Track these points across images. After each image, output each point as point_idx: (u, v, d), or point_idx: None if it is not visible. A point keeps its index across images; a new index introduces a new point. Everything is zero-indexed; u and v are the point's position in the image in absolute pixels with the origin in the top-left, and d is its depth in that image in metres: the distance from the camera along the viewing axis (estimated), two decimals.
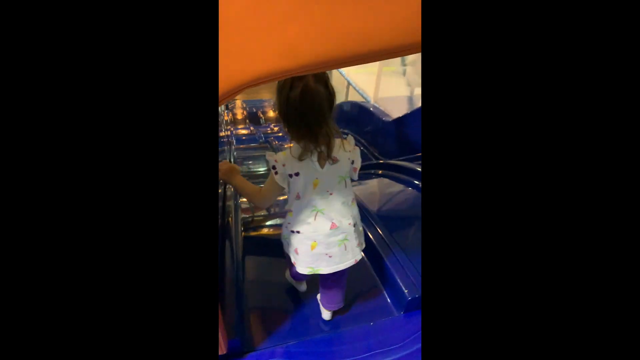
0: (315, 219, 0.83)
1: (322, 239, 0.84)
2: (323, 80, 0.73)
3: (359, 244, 0.91)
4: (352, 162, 0.83)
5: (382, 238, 1.26)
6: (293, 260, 0.91)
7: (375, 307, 1.08)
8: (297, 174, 0.79)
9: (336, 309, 1.01)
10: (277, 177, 0.81)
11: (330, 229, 0.83)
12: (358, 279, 1.17)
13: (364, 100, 3.67)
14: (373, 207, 1.58)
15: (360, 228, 0.93)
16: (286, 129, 0.77)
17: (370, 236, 1.26)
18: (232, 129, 6.62)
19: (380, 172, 2.28)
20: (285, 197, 0.87)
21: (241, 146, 4.79)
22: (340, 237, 0.85)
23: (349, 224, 0.86)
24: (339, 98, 5.54)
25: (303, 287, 1.11)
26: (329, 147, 0.77)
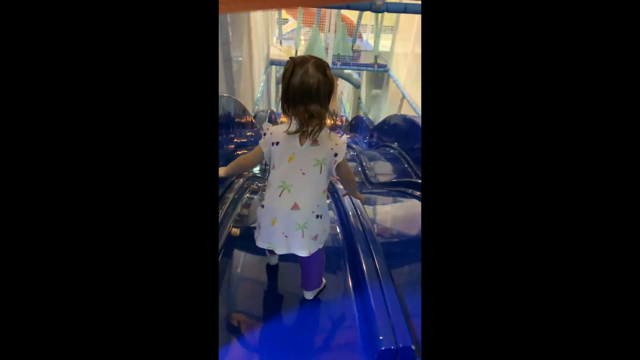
0: (280, 196, 0.86)
1: (282, 216, 0.87)
2: (322, 68, 0.80)
3: (316, 237, 0.91)
4: (335, 155, 0.86)
5: (376, 268, 1.08)
6: (256, 234, 0.95)
7: (341, 349, 0.92)
8: (277, 143, 0.85)
9: (313, 289, 1.02)
10: (261, 141, 0.88)
11: (292, 208, 0.86)
12: (335, 309, 1.01)
13: (417, 115, 3.44)
14: (382, 230, 1.40)
15: (326, 226, 0.94)
16: (282, 107, 0.83)
17: (363, 264, 1.10)
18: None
19: (417, 193, 2.10)
20: None
21: None
22: (300, 221, 0.87)
23: (312, 212, 0.87)
24: (392, 110, 5.39)
25: (274, 260, 1.14)
26: (314, 130, 0.81)
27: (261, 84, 4.66)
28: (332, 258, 1.24)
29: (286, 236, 0.89)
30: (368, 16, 7.51)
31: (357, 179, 2.98)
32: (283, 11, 7.20)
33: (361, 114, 7.63)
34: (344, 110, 10.65)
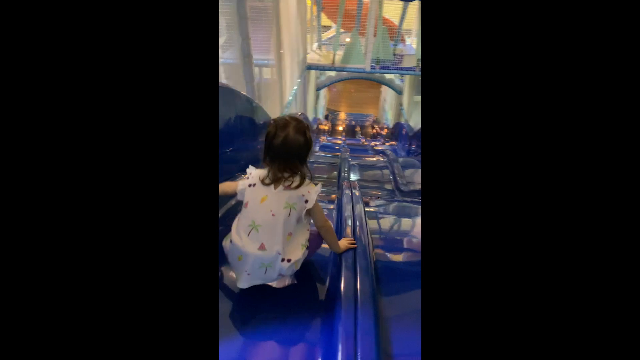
0: (248, 235, 0.90)
1: (249, 255, 0.89)
2: (302, 130, 0.91)
3: (280, 274, 0.93)
4: (306, 201, 0.91)
5: (355, 290, 0.90)
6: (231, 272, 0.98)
7: None
8: (254, 185, 0.94)
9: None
10: (241, 181, 0.97)
11: (258, 248, 0.89)
12: (297, 330, 0.85)
13: None
14: (387, 245, 1.19)
15: (294, 268, 0.94)
16: (263, 159, 0.93)
17: (342, 282, 0.92)
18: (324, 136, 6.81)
19: None
20: None
21: (320, 152, 4.83)
22: (265, 261, 0.90)
23: (278, 253, 0.89)
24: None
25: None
26: (289, 178, 0.91)
27: (294, 88, 4.63)
28: (313, 269, 1.08)
29: (248, 274, 0.91)
30: (412, 20, 7.24)
31: (388, 187, 2.79)
32: (323, 17, 7.22)
33: (402, 121, 7.34)
34: (386, 117, 10.38)
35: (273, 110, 3.82)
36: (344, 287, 0.90)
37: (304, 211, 0.92)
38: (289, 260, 0.90)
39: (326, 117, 10.57)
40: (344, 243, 1.09)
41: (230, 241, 0.93)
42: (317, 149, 5.47)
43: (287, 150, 0.89)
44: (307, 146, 0.92)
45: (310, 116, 7.24)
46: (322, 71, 7.61)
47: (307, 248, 0.97)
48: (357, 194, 1.62)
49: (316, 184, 0.96)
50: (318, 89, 8.40)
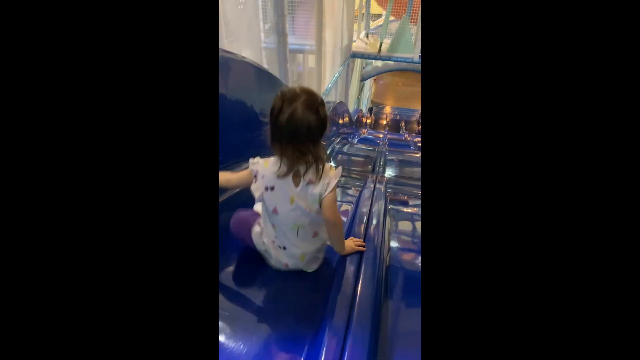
0: (297, 234, 0.87)
1: (310, 247, 0.91)
2: (314, 106, 0.75)
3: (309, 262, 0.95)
4: (326, 189, 0.82)
5: (350, 304, 0.78)
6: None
7: None
8: (272, 188, 0.83)
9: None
10: (253, 187, 0.86)
11: (313, 236, 0.89)
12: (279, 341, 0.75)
13: None
14: (407, 254, 1.04)
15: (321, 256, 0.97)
16: (270, 144, 0.80)
17: (338, 294, 0.80)
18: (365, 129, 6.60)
19: None
20: None
21: (361, 145, 4.65)
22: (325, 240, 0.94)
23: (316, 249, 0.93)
24: None
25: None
26: (307, 169, 0.79)
27: (335, 75, 4.48)
28: (314, 279, 0.96)
29: (318, 257, 0.94)
30: None
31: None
32: (373, 4, 6.93)
33: None
34: None
35: None
36: (340, 297, 0.78)
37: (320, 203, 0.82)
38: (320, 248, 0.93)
39: (370, 110, 10.27)
40: (349, 244, 0.95)
41: (284, 247, 0.90)
42: (355, 141, 5.31)
43: (295, 129, 0.74)
44: (320, 126, 0.76)
45: (352, 107, 7.04)
46: (367, 61, 7.35)
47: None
48: (381, 189, 1.47)
49: (336, 167, 0.84)
50: (363, 79, 8.14)
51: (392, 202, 1.61)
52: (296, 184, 0.81)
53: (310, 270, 0.95)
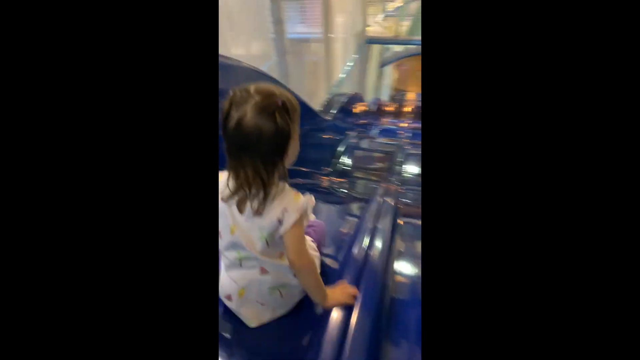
0: (241, 265, 0.71)
1: (250, 287, 0.72)
2: (269, 111, 0.58)
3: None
4: (279, 222, 0.65)
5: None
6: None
7: None
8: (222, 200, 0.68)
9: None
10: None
11: (261, 274, 0.71)
12: None
13: None
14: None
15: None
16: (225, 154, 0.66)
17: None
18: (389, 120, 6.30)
19: None
20: None
21: (380, 139, 4.38)
22: (273, 283, 0.72)
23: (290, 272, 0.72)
24: None
25: None
26: (257, 193, 0.62)
27: (348, 64, 4.21)
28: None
29: (262, 304, 0.73)
30: None
31: None
32: None
33: None
34: None
35: (317, 89, 3.49)
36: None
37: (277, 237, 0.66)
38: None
39: (392, 98, 9.87)
40: (336, 295, 0.73)
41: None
42: (375, 132, 5.03)
43: (243, 140, 0.58)
44: (276, 137, 0.59)
45: (370, 96, 6.73)
46: (386, 46, 6.98)
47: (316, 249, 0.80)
48: (390, 202, 1.24)
49: (303, 193, 0.67)
50: (382, 65, 7.77)
51: (410, 215, 1.38)
52: (241, 211, 0.65)
53: (251, 324, 0.74)
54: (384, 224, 1.13)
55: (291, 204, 0.64)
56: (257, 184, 0.61)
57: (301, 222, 0.65)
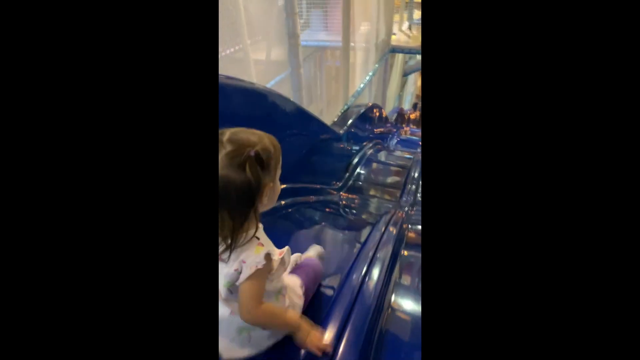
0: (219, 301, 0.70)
1: (221, 323, 0.71)
2: (237, 162, 0.57)
3: (273, 335, 0.74)
4: (239, 273, 0.63)
5: None
6: None
7: None
8: None
9: None
10: None
11: (230, 314, 0.70)
12: None
13: None
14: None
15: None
16: None
17: None
18: (404, 128, 6.18)
19: None
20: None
21: (397, 152, 4.30)
22: (241, 324, 0.69)
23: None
24: None
25: None
26: (224, 241, 0.62)
27: (369, 74, 4.18)
28: None
29: (232, 341, 0.71)
30: None
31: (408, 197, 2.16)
32: None
33: None
34: None
35: (336, 100, 3.47)
36: None
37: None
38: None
39: (414, 106, 9.75)
40: (307, 337, 0.71)
41: None
42: (393, 143, 4.96)
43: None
44: (244, 190, 0.57)
45: (391, 105, 6.67)
46: (410, 55, 6.89)
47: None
48: (392, 231, 1.21)
49: (262, 246, 0.64)
50: (405, 74, 7.69)
51: (418, 246, 1.34)
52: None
53: (223, 356, 0.72)
54: (384, 254, 1.10)
55: (250, 257, 0.62)
56: (225, 233, 0.61)
57: (257, 276, 0.62)
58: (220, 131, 0.60)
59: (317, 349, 0.70)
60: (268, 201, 0.64)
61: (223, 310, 0.71)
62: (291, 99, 1.67)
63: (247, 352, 0.73)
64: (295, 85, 2.33)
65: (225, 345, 0.73)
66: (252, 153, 0.57)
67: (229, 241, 0.61)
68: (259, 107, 1.36)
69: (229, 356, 0.73)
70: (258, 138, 0.61)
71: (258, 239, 0.64)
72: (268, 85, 2.38)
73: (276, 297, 0.74)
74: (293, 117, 1.66)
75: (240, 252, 0.62)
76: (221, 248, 0.62)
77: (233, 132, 0.60)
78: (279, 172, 0.65)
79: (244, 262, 0.62)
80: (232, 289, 0.66)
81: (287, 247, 0.71)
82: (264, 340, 0.74)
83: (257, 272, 0.62)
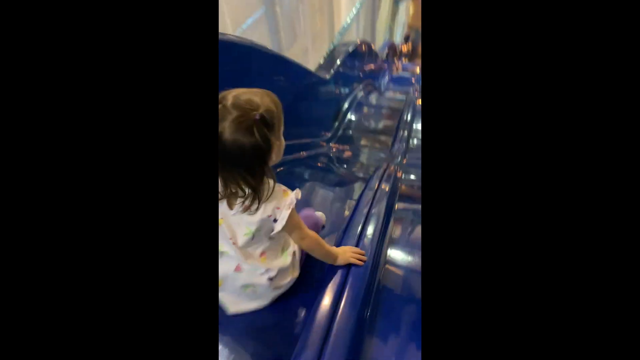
0: (221, 258, 0.77)
1: (226, 280, 0.78)
2: (246, 126, 0.61)
3: (276, 288, 0.83)
4: (274, 221, 0.72)
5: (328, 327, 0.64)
6: None
7: None
8: None
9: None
10: None
11: (235, 270, 0.77)
12: None
13: None
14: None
15: (290, 275, 0.85)
16: None
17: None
18: (396, 62, 5.89)
19: None
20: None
21: (389, 93, 4.16)
22: (246, 280, 0.78)
23: (260, 273, 0.78)
24: None
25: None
26: (248, 195, 0.69)
27: (356, 6, 3.85)
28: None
29: (238, 296, 0.80)
30: None
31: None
32: None
33: None
34: None
35: (322, 35, 3.23)
36: (312, 336, 0.67)
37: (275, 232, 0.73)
38: (270, 279, 0.79)
39: (406, 38, 9.25)
40: (345, 253, 0.86)
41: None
42: (385, 82, 4.77)
43: (223, 154, 0.61)
44: (256, 151, 0.62)
45: (381, 39, 6.30)
46: None
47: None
48: (385, 188, 1.21)
49: (291, 191, 0.74)
50: (397, 1, 7.16)
51: (411, 199, 1.34)
52: (230, 206, 0.71)
53: (228, 310, 0.82)
54: (378, 210, 1.11)
55: (281, 202, 0.72)
56: (247, 189, 0.67)
57: (293, 213, 0.73)
58: (221, 95, 0.63)
59: (358, 258, 0.87)
60: (276, 157, 0.70)
61: (227, 267, 0.77)
62: (268, 45, 1.54)
63: (253, 305, 0.83)
64: (273, 27, 2.14)
65: (231, 299, 0.81)
66: (257, 117, 0.61)
67: (253, 195, 0.68)
68: (230, 60, 1.26)
69: (236, 310, 0.82)
70: (260, 99, 0.64)
71: (281, 186, 0.73)
72: (243, 27, 2.19)
73: (282, 250, 0.84)
74: (270, 67, 1.55)
75: (269, 201, 0.70)
76: (241, 202, 0.69)
77: (235, 96, 0.62)
78: (282, 128, 0.71)
79: (278, 208, 0.71)
80: (256, 234, 0.74)
81: (297, 189, 0.78)
82: (268, 294, 0.83)
83: (292, 211, 0.72)
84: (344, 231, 1.03)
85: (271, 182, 0.70)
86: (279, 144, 0.70)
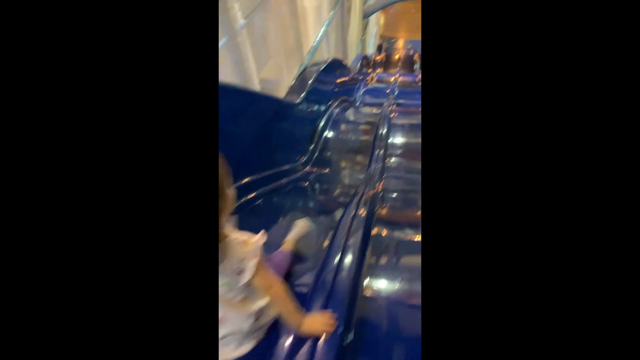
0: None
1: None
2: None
3: (261, 327, 0.86)
4: (239, 273, 0.74)
5: None
6: None
7: None
8: None
9: None
10: None
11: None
12: None
13: None
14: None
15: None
16: None
17: None
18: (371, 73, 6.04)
19: None
20: None
21: (363, 109, 4.24)
22: (232, 330, 0.82)
23: (243, 321, 0.82)
24: None
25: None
26: None
27: (324, 25, 3.95)
28: None
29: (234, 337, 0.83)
30: None
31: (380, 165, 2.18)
32: None
33: None
34: None
35: (289, 65, 3.30)
36: None
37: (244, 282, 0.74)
38: (256, 319, 0.82)
39: (379, 48, 9.47)
40: (313, 324, 0.80)
41: None
42: (359, 95, 4.88)
43: None
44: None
45: (354, 54, 6.45)
46: None
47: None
48: (361, 214, 1.23)
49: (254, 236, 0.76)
50: (366, 15, 7.35)
51: (392, 224, 1.37)
52: None
53: None
54: (356, 239, 1.13)
55: (247, 253, 0.73)
56: None
57: (261, 261, 0.75)
58: None
59: (325, 325, 0.80)
60: (227, 209, 0.71)
61: None
62: (229, 80, 1.56)
63: (238, 352, 0.84)
64: (235, 57, 2.12)
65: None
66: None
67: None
68: None
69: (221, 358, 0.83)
70: None
71: (243, 235, 0.75)
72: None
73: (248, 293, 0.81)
74: (234, 104, 1.57)
75: (233, 254, 0.72)
76: None
77: None
78: (230, 182, 0.71)
79: (245, 259, 0.73)
80: (232, 285, 0.75)
81: (261, 232, 0.80)
82: (252, 335, 0.84)
83: (261, 258, 0.74)
84: (322, 267, 1.04)
85: (233, 235, 0.72)
86: (228, 199, 0.70)
